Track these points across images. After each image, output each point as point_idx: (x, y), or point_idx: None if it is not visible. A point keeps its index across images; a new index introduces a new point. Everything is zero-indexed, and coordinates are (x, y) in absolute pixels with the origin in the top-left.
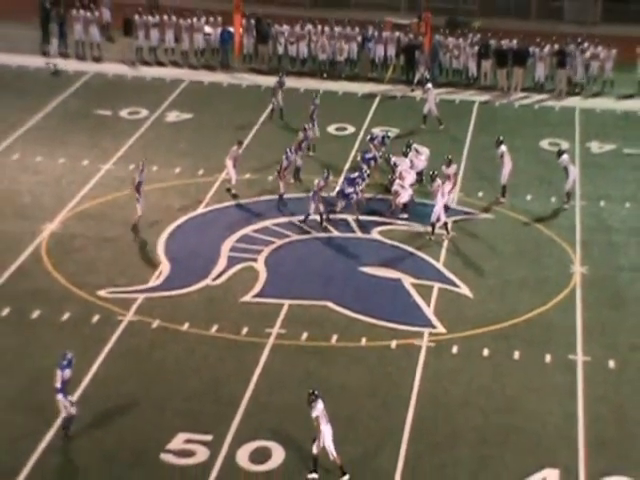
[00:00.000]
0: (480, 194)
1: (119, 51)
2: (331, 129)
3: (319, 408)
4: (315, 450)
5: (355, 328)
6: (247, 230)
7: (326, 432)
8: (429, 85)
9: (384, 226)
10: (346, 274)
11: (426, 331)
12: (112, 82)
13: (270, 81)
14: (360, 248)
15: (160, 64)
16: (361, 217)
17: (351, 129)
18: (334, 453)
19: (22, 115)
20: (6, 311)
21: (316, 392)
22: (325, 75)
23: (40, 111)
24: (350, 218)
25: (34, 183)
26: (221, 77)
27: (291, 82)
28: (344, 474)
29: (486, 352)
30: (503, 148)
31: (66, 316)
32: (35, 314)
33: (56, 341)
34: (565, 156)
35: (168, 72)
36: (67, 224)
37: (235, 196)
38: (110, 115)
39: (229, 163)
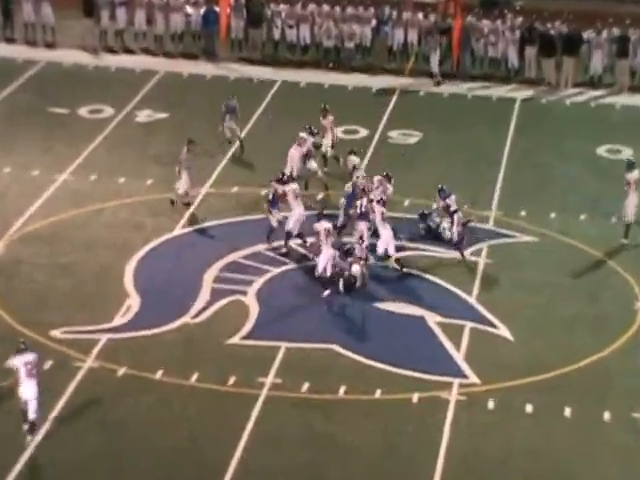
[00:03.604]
0: (522, 213)
1: (78, 35)
2: (339, 132)
3: (24, 359)
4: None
5: (368, 377)
6: (235, 256)
7: (28, 387)
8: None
9: (403, 252)
10: (357, 310)
11: (456, 381)
12: (69, 73)
13: (264, 73)
14: (374, 279)
15: (128, 51)
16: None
17: (363, 132)
18: (35, 412)
19: None
20: None
21: (26, 343)
22: (331, 65)
23: None
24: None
25: None
26: (204, 68)
27: (290, 74)
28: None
29: (530, 408)
30: (636, 174)
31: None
32: None
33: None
34: (637, 172)
35: (138, 61)
36: (13, 248)
37: (188, 205)
38: (67, 114)
39: (182, 168)
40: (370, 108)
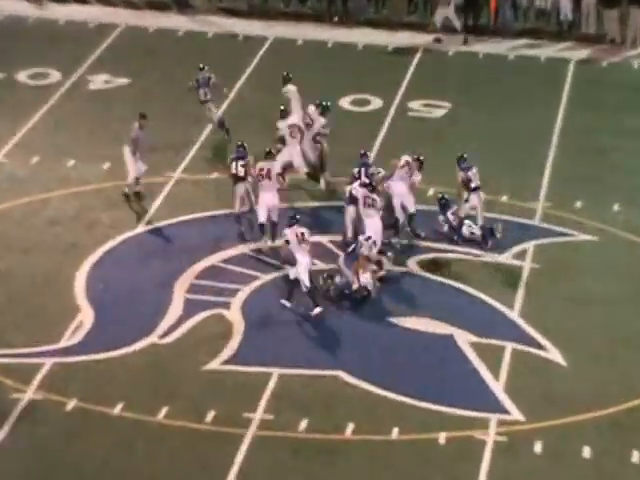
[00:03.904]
0: (577, 204)
1: None
2: (345, 102)
3: None
4: None
5: (382, 412)
6: (214, 259)
7: None
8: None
9: (426, 254)
10: (368, 328)
11: (494, 418)
12: (5, 27)
13: (252, 28)
14: (390, 287)
15: (80, 0)
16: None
17: (377, 102)
18: None
19: None
20: None
21: None
22: (336, 19)
23: None
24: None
25: None
26: (175, 21)
27: (284, 30)
28: None
29: (588, 452)
30: None
31: None
32: None
33: None
34: None
35: (93, 12)
36: None
37: (127, 196)
38: (1, 79)
39: (127, 151)
40: (385, 72)
